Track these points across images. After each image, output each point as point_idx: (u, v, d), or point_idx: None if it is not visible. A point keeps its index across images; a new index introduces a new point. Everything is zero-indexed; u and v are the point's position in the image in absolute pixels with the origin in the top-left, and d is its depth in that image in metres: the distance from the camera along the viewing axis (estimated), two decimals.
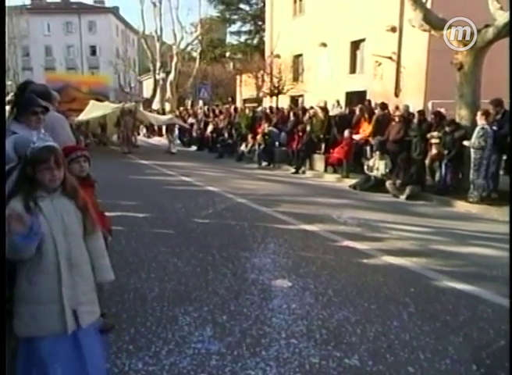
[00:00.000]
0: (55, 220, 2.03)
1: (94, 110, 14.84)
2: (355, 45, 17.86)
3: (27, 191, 2.02)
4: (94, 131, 17.20)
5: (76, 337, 2.09)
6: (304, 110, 13.54)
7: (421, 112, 9.70)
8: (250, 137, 13.52)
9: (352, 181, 9.51)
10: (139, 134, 18.90)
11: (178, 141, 18.20)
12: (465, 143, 7.81)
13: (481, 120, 7.50)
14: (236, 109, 17.21)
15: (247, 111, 15.94)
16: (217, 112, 18.34)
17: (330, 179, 10.57)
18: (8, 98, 4.89)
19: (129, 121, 15.37)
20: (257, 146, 13.05)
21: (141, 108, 21.89)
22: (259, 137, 12.97)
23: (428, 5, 10.24)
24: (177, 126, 17.52)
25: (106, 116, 15.66)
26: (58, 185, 2.08)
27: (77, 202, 2.13)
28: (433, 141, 8.39)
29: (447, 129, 8.19)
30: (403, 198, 8.24)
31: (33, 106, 2.95)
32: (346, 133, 10.51)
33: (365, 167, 9.40)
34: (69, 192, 2.11)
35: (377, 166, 9.08)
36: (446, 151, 8.17)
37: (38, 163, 2.00)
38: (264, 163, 12.67)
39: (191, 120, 19.05)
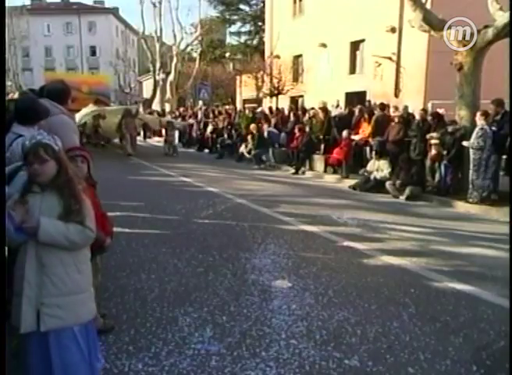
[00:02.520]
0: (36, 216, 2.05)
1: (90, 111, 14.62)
2: (355, 46, 17.88)
3: (25, 185, 2.08)
4: (89, 132, 16.98)
5: (45, 336, 2.08)
6: (304, 111, 13.55)
7: (425, 111, 9.70)
8: (249, 137, 13.54)
9: (352, 182, 9.50)
10: (138, 135, 18.65)
11: (179, 144, 18.06)
12: (464, 143, 7.81)
13: (480, 120, 7.50)
14: (236, 110, 17.20)
15: (246, 111, 15.94)
16: (216, 112, 18.32)
17: (330, 179, 10.57)
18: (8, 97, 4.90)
19: (131, 123, 15.18)
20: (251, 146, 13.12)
21: (140, 109, 21.61)
22: (249, 137, 13.02)
23: (428, 6, 10.23)
24: (177, 131, 17.35)
25: (100, 119, 15.45)
26: (45, 180, 2.07)
27: (63, 194, 2.07)
28: (433, 141, 8.39)
29: (450, 128, 8.18)
30: (403, 198, 8.24)
31: (35, 119, 2.99)
32: (345, 133, 10.51)
33: (361, 171, 9.40)
34: (58, 185, 2.08)
35: (380, 167, 9.07)
36: (445, 152, 8.17)
37: (25, 158, 2.08)
38: (261, 163, 12.68)
39: (191, 121, 19.06)
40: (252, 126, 13.36)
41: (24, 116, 3.00)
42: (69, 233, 2.06)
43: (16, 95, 4.55)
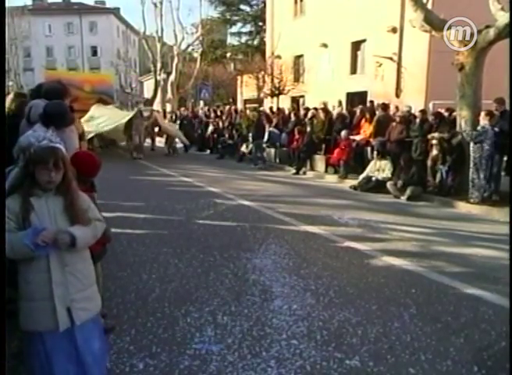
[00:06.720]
0: (46, 220, 2.03)
1: (102, 117, 14.02)
2: (356, 46, 17.87)
3: (27, 188, 2.04)
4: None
5: (72, 332, 2.12)
6: (307, 110, 13.54)
7: (424, 111, 9.70)
8: (244, 125, 13.56)
9: (353, 182, 9.50)
10: (151, 138, 17.72)
11: (180, 145, 17.95)
12: (464, 134, 7.82)
13: (484, 120, 7.49)
14: (236, 110, 17.17)
15: (247, 112, 15.90)
16: (218, 112, 18.26)
17: (331, 179, 10.56)
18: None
19: (140, 124, 14.45)
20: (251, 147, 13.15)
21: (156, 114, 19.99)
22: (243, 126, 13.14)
23: (429, 6, 10.22)
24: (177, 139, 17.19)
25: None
26: (53, 187, 2.08)
27: (66, 200, 2.10)
28: (434, 141, 8.39)
29: (445, 136, 8.20)
30: (404, 198, 8.23)
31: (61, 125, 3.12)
32: (343, 133, 10.50)
33: (361, 175, 9.39)
34: (62, 191, 2.10)
35: (382, 168, 9.06)
36: (441, 163, 8.19)
37: (38, 163, 2.02)
38: (258, 161, 12.70)
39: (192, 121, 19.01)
40: (251, 114, 13.31)
41: (50, 120, 3.07)
42: (95, 231, 2.20)
43: (12, 95, 4.53)
